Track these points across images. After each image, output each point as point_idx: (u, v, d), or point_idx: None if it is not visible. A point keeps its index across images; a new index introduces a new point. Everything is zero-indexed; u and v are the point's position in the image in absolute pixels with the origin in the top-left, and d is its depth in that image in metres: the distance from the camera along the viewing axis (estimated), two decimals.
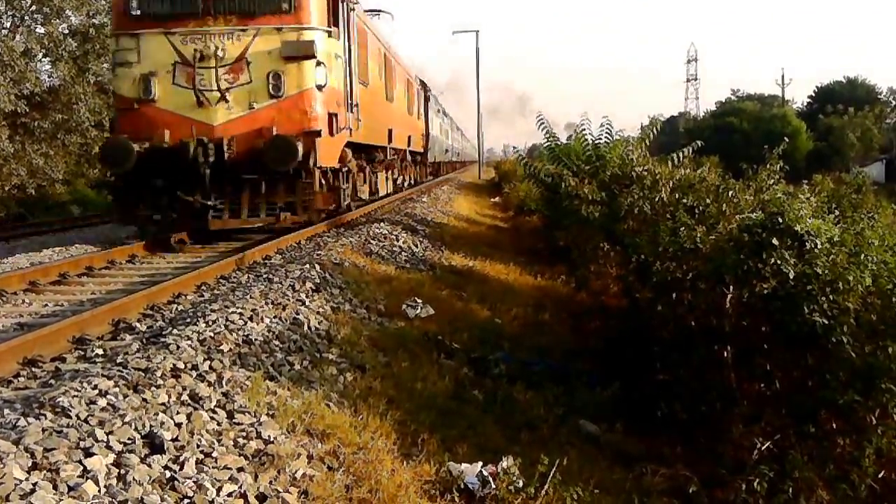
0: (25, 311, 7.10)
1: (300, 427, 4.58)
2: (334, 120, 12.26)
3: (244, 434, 4.23)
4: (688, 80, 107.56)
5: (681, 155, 11.36)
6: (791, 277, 6.02)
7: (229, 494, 3.59)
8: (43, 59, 23.53)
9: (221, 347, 5.36)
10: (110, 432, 3.72)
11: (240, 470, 3.84)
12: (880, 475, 5.59)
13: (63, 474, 3.27)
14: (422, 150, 28.94)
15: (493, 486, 4.53)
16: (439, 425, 5.49)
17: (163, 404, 4.22)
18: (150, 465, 3.58)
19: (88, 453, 3.47)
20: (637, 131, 13.80)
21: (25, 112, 21.30)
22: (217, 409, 4.41)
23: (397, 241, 13.18)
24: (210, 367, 4.95)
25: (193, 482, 3.55)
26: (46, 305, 7.33)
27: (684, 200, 8.40)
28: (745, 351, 6.46)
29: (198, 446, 3.92)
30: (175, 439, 3.91)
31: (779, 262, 6.10)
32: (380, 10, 22.04)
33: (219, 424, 4.26)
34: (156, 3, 11.43)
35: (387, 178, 20.13)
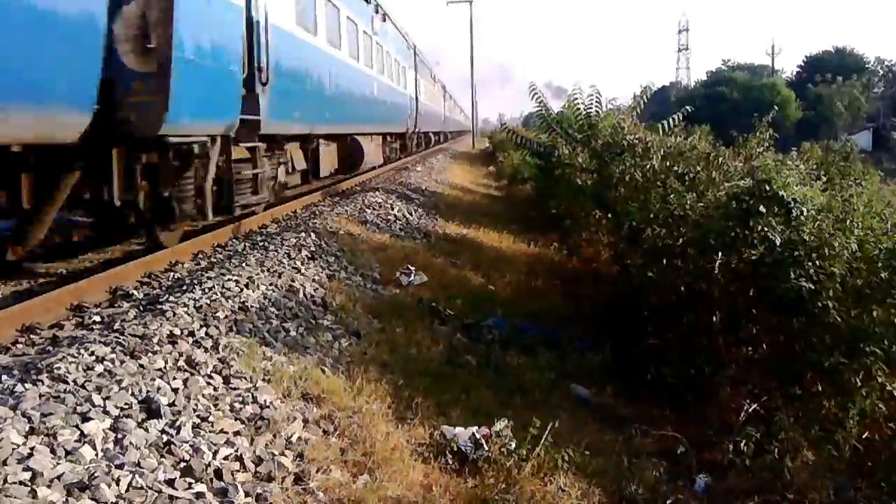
0: (24, 278, 7.09)
1: (296, 392, 4.64)
2: None
3: (240, 399, 4.28)
4: (679, 51, 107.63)
5: (671, 122, 11.38)
6: (778, 244, 6.08)
7: (226, 458, 3.64)
8: None
9: (218, 314, 5.41)
10: (107, 397, 3.77)
11: (236, 434, 3.89)
12: (864, 435, 5.68)
13: (60, 439, 3.31)
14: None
15: (487, 449, 4.60)
16: (433, 390, 5.56)
17: (159, 370, 4.27)
18: (146, 430, 3.62)
19: (86, 418, 3.51)
20: (629, 101, 13.78)
21: None
22: (213, 375, 4.46)
23: (392, 209, 13.22)
24: (206, 334, 5.01)
25: (190, 446, 3.60)
26: (46, 274, 7.33)
27: (675, 168, 8.44)
28: (733, 316, 6.52)
29: (194, 411, 3.96)
30: (172, 404, 3.95)
31: (766, 228, 6.16)
32: None
33: (215, 389, 4.31)
34: None
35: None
